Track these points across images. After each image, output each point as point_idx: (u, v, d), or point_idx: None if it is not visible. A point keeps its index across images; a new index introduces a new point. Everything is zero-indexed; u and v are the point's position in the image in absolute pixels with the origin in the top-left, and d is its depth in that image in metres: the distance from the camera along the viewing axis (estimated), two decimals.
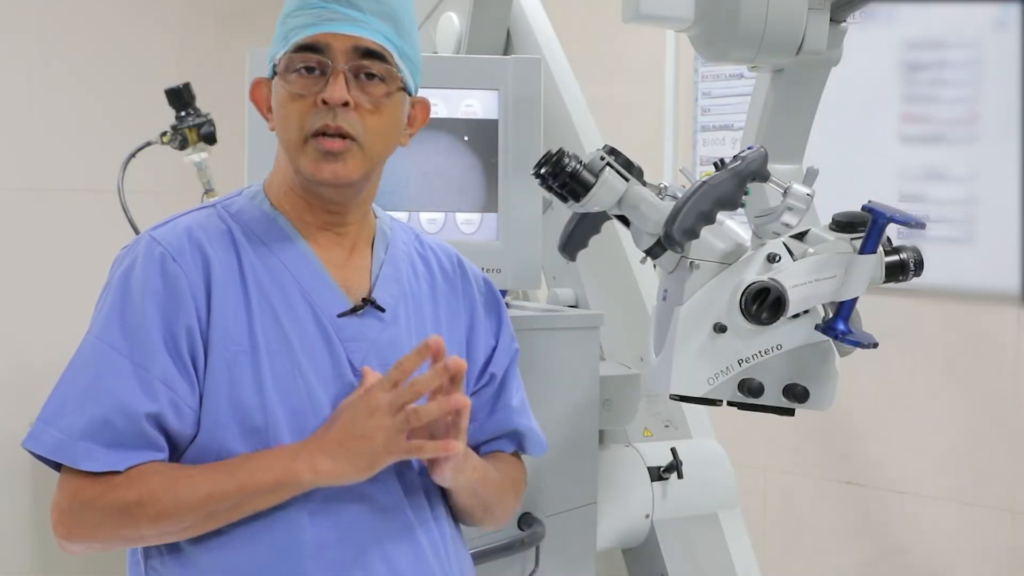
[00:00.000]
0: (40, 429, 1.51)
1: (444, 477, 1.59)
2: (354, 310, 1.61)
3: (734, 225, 1.77)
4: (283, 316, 1.57)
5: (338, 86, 1.54)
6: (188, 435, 1.53)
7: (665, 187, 1.78)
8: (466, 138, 2.19)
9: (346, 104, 1.54)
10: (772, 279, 1.69)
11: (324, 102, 1.54)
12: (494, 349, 1.76)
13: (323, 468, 1.50)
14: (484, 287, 1.78)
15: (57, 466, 1.53)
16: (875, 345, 1.70)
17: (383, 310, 1.63)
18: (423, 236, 1.78)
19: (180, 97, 2.93)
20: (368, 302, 1.62)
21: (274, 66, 1.60)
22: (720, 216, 1.70)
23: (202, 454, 1.53)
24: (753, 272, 1.71)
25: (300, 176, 1.59)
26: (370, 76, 1.57)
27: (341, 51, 1.55)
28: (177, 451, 1.55)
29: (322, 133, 1.55)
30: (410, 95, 1.64)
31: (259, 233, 1.61)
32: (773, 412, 1.77)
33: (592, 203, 1.76)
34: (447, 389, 1.54)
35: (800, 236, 1.74)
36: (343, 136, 1.55)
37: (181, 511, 1.50)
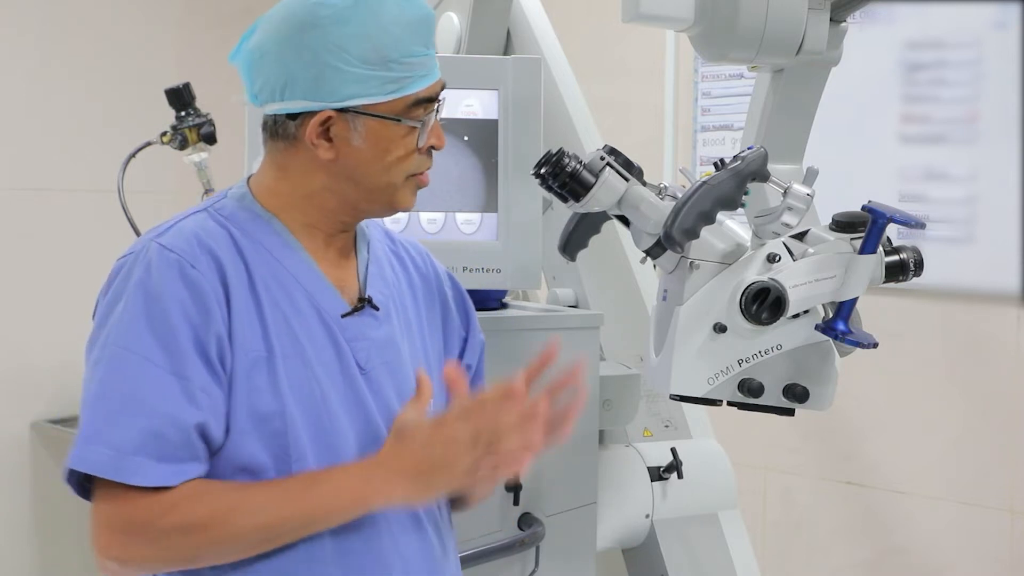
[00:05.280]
0: (84, 448, 1.45)
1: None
2: (355, 310, 1.61)
3: (734, 225, 1.77)
4: (293, 320, 1.56)
5: (440, 131, 1.62)
6: (221, 443, 1.50)
7: (665, 187, 1.78)
8: (466, 138, 2.19)
9: None
10: (772, 279, 1.69)
11: (432, 148, 1.61)
12: (465, 341, 1.79)
13: (398, 495, 1.51)
14: (449, 281, 1.80)
15: (84, 491, 1.48)
16: (875, 345, 1.70)
17: (378, 308, 1.64)
18: (392, 233, 1.79)
19: (180, 97, 2.92)
20: (366, 301, 1.62)
21: (366, 106, 1.56)
22: (720, 216, 1.70)
23: (224, 462, 1.50)
24: (753, 272, 1.71)
25: (390, 209, 1.64)
26: None
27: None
28: (208, 461, 1.51)
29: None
30: None
31: (258, 237, 1.59)
32: (773, 412, 1.77)
33: (592, 203, 1.76)
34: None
35: (800, 236, 1.74)
36: None
37: (244, 534, 1.47)
